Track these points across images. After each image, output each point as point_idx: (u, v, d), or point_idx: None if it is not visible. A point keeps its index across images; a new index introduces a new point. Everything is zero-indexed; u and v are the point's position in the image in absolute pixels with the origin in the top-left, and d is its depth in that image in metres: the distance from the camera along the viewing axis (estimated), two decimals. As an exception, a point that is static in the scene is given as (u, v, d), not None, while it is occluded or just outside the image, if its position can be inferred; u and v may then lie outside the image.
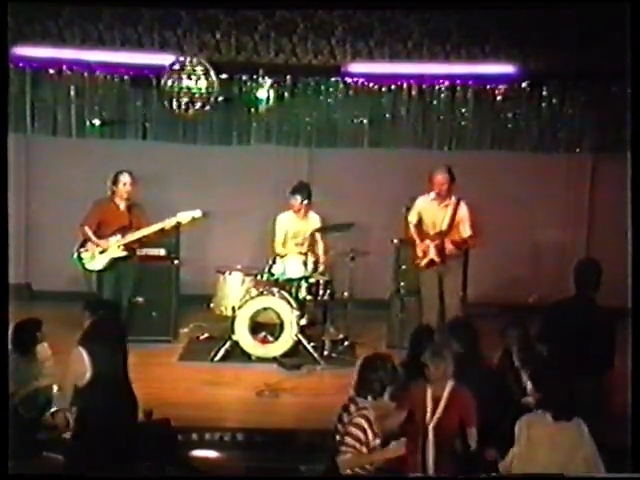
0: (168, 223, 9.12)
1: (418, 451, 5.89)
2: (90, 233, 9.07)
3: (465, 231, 9.01)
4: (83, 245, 9.11)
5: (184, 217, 9.13)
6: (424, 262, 9.08)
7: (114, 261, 9.09)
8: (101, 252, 9.08)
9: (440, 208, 9.08)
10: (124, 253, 9.08)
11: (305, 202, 9.51)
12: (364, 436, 5.57)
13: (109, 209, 9.17)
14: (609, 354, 6.64)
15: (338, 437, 5.70)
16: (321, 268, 9.47)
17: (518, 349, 6.79)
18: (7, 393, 5.85)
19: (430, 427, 5.88)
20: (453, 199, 9.05)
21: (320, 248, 9.69)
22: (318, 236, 9.69)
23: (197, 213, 9.15)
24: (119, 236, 9.08)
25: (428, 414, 5.90)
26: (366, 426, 5.59)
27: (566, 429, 5.60)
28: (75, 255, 9.11)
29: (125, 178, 9.11)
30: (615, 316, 6.65)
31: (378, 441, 5.65)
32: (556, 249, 11.10)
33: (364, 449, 5.57)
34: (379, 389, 5.72)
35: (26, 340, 7.13)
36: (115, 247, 9.07)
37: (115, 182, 9.12)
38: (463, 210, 9.04)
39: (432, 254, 9.01)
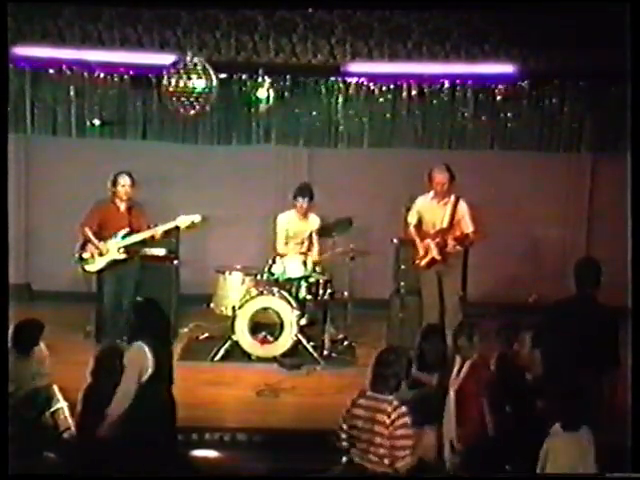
0: (167, 227, 9.14)
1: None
2: (90, 234, 9.08)
3: (467, 226, 8.97)
4: (83, 247, 9.12)
5: (183, 221, 9.15)
6: (425, 261, 9.05)
7: (114, 262, 9.11)
8: (100, 254, 9.10)
9: (440, 206, 9.06)
10: (123, 256, 9.10)
11: (308, 203, 9.55)
12: (411, 432, 5.69)
13: (109, 210, 9.18)
14: (613, 352, 6.62)
15: (377, 439, 5.69)
16: (319, 268, 9.47)
17: (517, 350, 6.75)
18: (7, 393, 5.85)
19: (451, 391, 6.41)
20: (452, 197, 9.04)
21: (316, 249, 9.70)
22: (315, 237, 9.70)
23: (196, 218, 9.17)
24: (119, 238, 9.09)
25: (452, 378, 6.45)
26: (409, 422, 5.67)
27: (575, 439, 5.55)
28: (76, 257, 9.13)
29: (124, 180, 9.11)
30: (617, 315, 6.64)
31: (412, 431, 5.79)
32: (556, 248, 11.10)
33: (411, 443, 5.69)
34: (395, 384, 5.78)
35: (27, 340, 7.13)
36: (114, 250, 9.08)
37: (114, 183, 9.13)
38: (463, 207, 9.02)
39: (433, 252, 8.99)
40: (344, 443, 5.85)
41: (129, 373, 6.17)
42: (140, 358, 6.15)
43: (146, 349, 6.14)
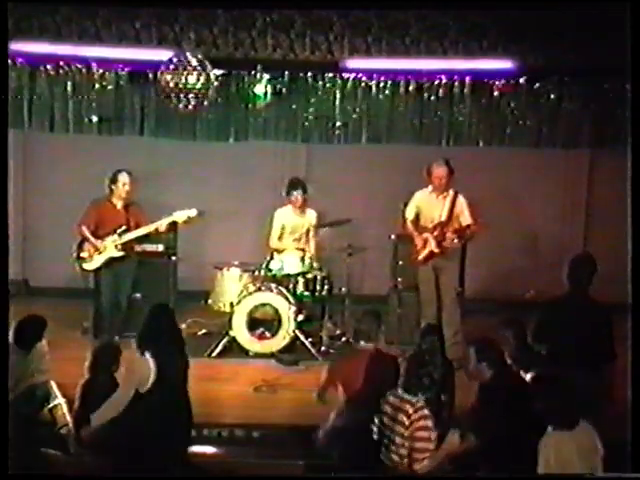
0: (164, 222, 9.14)
1: None
2: (88, 233, 9.08)
3: (466, 220, 8.95)
4: (81, 246, 9.12)
5: (180, 216, 9.14)
6: (423, 254, 9.02)
7: (111, 260, 9.10)
8: (98, 252, 9.10)
9: (438, 200, 9.04)
10: (121, 253, 9.10)
11: (304, 196, 9.53)
12: (432, 434, 5.66)
13: (106, 209, 9.17)
14: (608, 348, 6.62)
15: (397, 438, 5.68)
16: (316, 264, 9.47)
17: (515, 349, 6.70)
18: (7, 391, 5.85)
19: None
20: (451, 192, 9.03)
21: (312, 244, 9.70)
22: (312, 232, 9.69)
23: (192, 212, 9.16)
24: (116, 236, 9.08)
25: None
26: (430, 425, 5.65)
27: (569, 438, 5.37)
28: (74, 255, 9.12)
29: (124, 178, 9.10)
30: (611, 310, 6.64)
31: (435, 434, 5.74)
32: (553, 245, 11.11)
33: (431, 446, 5.64)
34: (428, 384, 5.75)
35: (30, 337, 7.12)
36: (112, 247, 9.08)
37: (114, 181, 9.12)
38: (461, 201, 9.00)
39: (432, 245, 8.96)
40: (375, 437, 5.85)
41: (125, 384, 6.15)
42: (141, 370, 6.09)
43: (150, 361, 6.07)
